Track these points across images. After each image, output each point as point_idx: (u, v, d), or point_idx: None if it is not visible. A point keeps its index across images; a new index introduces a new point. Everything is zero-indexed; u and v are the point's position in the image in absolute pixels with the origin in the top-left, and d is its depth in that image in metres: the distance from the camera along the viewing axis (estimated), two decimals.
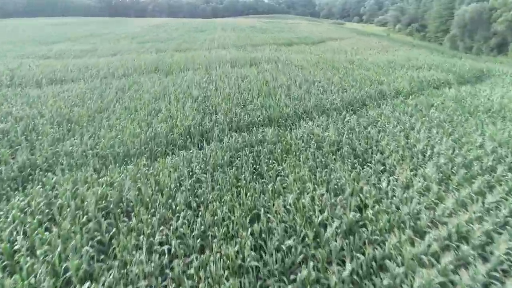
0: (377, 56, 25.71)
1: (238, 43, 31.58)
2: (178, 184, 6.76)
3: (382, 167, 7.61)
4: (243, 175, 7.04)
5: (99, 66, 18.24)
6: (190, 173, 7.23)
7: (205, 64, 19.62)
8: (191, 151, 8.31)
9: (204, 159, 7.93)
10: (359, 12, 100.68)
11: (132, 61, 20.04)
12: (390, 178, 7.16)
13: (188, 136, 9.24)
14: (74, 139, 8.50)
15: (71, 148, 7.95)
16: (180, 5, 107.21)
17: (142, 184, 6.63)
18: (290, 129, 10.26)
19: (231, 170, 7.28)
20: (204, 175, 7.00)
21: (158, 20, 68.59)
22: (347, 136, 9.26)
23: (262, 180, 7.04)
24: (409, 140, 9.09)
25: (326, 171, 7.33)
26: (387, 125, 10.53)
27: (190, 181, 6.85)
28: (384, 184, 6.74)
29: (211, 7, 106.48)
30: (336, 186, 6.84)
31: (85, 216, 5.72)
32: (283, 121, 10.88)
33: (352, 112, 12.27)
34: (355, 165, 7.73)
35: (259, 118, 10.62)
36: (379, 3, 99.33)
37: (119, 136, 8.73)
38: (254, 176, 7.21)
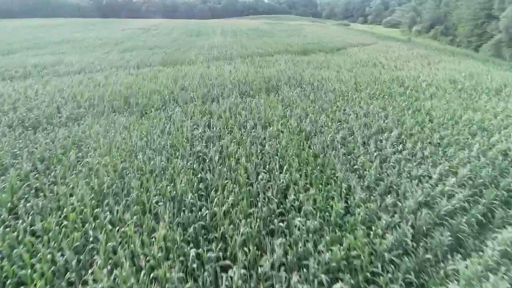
0: (426, 71, 19.36)
1: (243, 52, 25.06)
2: None
3: None
4: None
5: (41, 98, 11.71)
6: None
7: (201, 91, 13.12)
8: None
9: None
10: (363, 12, 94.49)
11: (95, 86, 13.50)
12: None
13: None
14: None
15: None
16: (176, 5, 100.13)
17: None
18: None
19: None
20: None
21: (151, 21, 61.71)
22: None
23: None
24: None
25: None
26: None
27: None
28: None
29: (208, 7, 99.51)
30: None
31: None
32: (389, 281, 4.52)
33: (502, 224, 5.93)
34: None
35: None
36: (384, 3, 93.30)
37: None
38: None
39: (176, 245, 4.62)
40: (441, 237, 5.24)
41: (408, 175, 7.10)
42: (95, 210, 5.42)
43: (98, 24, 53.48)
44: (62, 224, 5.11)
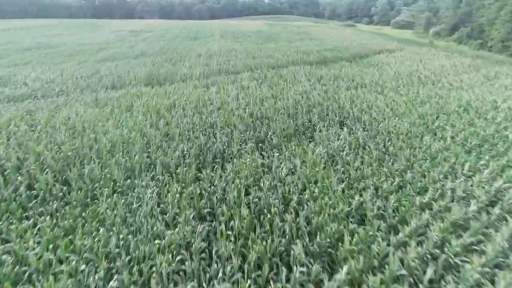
0: (495, 91, 14.41)
1: (250, 62, 19.98)
2: None
3: None
4: None
5: None
6: None
7: (196, 141, 8.08)
8: None
9: None
10: (368, 12, 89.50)
11: (23, 135, 8.36)
12: None
13: None
14: None
15: None
16: (173, 5, 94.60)
17: None
18: None
19: None
20: None
21: (145, 22, 56.36)
22: None
23: None
24: None
25: None
26: None
27: None
28: None
29: (207, 7, 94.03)
30: None
31: None
32: None
33: None
34: None
35: None
36: (390, 3, 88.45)
37: None
38: None
39: None
40: None
41: None
42: None
43: (87, 25, 48.08)
44: None
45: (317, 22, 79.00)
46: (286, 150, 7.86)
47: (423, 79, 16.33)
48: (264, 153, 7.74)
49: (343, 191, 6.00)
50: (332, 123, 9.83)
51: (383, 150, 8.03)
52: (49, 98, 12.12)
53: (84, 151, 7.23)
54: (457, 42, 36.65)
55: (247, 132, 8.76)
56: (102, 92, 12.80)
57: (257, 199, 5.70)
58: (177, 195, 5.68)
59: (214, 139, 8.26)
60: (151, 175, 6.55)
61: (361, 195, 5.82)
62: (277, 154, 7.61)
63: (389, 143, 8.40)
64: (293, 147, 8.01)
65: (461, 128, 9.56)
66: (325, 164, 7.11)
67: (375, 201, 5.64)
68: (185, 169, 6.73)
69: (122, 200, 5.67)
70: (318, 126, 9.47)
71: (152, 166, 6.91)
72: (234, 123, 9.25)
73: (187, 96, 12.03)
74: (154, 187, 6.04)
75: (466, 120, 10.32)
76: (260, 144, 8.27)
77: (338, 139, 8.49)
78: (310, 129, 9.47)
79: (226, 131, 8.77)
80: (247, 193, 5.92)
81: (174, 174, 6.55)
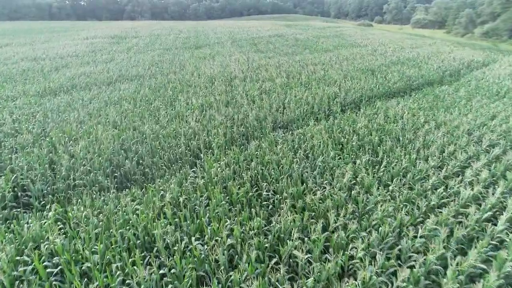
0: None
1: (303, 94, 11.45)
2: None
3: None
4: None
5: None
6: None
7: None
8: None
9: None
10: (380, 10, 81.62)
11: None
12: None
13: None
14: None
15: None
16: (166, 4, 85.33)
17: None
18: None
19: None
20: None
21: (133, 24, 47.27)
22: None
23: None
24: None
25: None
26: None
27: None
28: None
29: (204, 7, 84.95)
30: None
31: None
32: None
33: None
34: None
35: None
36: (403, 0, 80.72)
37: None
38: None
39: None
40: None
41: None
42: None
43: (59, 29, 39.03)
44: None
45: (327, 21, 70.81)
46: None
47: None
48: None
49: None
50: None
51: None
52: None
53: None
54: None
55: None
56: None
57: None
58: None
59: None
60: None
61: None
62: None
63: None
64: None
65: None
66: None
67: None
68: None
69: None
70: None
71: None
72: None
73: None
74: None
75: None
76: None
77: None
78: None
79: None
80: None
81: None
